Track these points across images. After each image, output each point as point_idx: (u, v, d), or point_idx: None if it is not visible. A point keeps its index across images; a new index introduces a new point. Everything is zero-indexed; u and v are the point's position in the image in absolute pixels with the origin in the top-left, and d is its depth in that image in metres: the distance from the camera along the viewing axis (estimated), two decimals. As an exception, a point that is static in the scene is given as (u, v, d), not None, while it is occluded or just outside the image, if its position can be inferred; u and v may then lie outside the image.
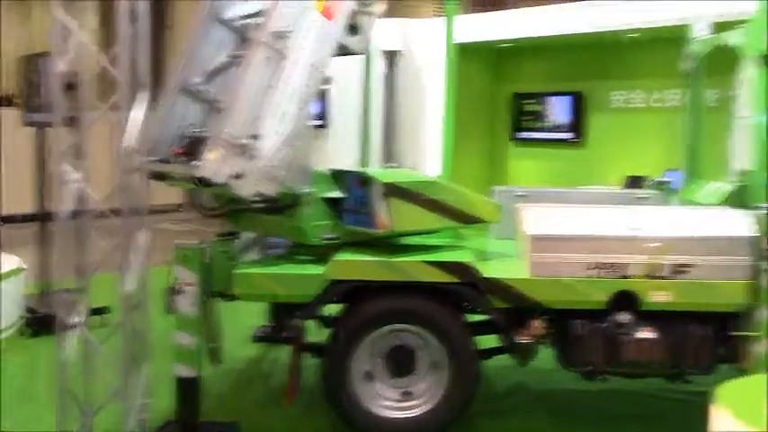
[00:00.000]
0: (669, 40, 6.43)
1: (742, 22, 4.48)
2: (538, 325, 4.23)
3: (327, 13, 4.21)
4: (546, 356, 4.53)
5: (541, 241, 4.19)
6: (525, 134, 10.69)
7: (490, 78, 10.92)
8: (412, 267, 4.16)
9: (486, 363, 4.58)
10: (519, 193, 5.24)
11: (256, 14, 4.49)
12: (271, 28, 4.02)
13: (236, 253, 4.41)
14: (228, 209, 4.46)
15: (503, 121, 10.90)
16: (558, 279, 4.14)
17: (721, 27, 5.32)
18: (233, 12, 4.66)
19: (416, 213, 4.27)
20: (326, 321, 4.51)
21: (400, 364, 4.28)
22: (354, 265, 4.19)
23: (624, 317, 4.16)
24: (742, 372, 4.03)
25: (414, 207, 4.26)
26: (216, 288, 4.25)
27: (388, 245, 4.37)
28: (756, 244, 4.10)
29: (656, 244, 4.11)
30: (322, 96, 10.27)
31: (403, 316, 4.23)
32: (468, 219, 4.47)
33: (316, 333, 4.50)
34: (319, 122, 10.78)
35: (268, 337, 4.90)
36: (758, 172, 4.28)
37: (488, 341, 4.51)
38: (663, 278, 4.11)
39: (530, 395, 5.21)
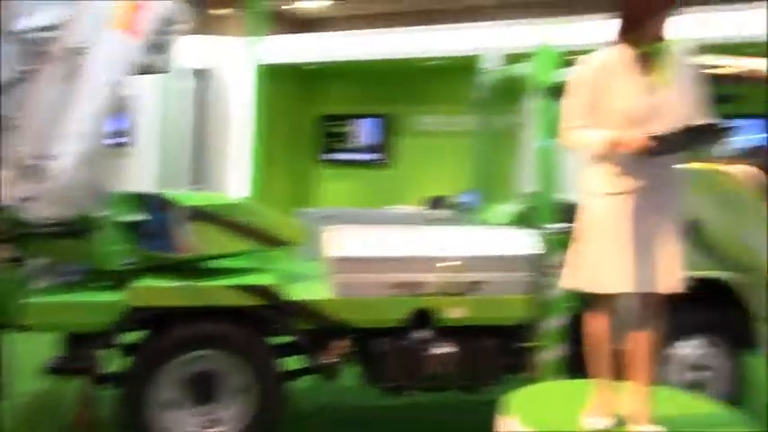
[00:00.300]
0: (467, 68, 6.81)
1: (529, 55, 4.83)
2: (342, 345, 4.32)
3: (128, 30, 4.10)
4: (352, 375, 4.62)
5: (344, 262, 4.29)
6: (334, 155, 10.89)
7: (299, 100, 11.04)
8: (214, 292, 4.12)
9: (293, 384, 4.59)
10: (324, 215, 5.34)
11: (51, 28, 4.28)
12: (66, 43, 3.85)
13: (25, 280, 4.16)
14: (17, 233, 4.20)
15: (311, 142, 11.03)
16: (361, 299, 4.26)
17: (511, 58, 5.70)
18: (24, 24, 4.41)
19: (220, 237, 4.23)
20: (126, 349, 4.35)
21: (204, 390, 4.20)
22: (155, 291, 4.08)
23: (423, 333, 4.35)
24: (529, 380, 4.32)
25: (218, 230, 4.22)
26: (1, 319, 3.98)
27: (192, 269, 4.30)
28: (541, 261, 4.43)
29: (450, 263, 4.33)
30: (127, 114, 9.91)
31: (205, 341, 4.17)
32: (273, 241, 4.49)
33: (115, 362, 4.32)
34: (122, 141, 10.38)
35: (62, 369, 4.64)
36: (543, 194, 4.62)
37: (295, 363, 4.53)
38: (457, 295, 4.34)
39: (337, 414, 5.28)
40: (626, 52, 3.20)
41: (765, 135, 4.47)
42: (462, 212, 5.84)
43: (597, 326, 3.34)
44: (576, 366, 3.96)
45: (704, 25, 6.62)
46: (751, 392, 4.77)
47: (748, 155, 4.56)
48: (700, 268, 3.92)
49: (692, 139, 3.10)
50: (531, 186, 4.86)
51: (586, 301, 3.38)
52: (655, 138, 3.03)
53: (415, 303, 4.31)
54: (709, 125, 3.10)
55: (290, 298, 4.21)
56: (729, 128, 3.07)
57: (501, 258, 4.43)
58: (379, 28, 10.34)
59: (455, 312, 4.34)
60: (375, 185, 10.34)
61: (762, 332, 4.62)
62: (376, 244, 4.45)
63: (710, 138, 3.16)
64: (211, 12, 11.82)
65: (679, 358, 4.59)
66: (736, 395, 4.62)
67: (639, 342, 3.33)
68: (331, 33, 10.55)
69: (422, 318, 4.33)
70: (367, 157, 10.59)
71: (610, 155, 3.17)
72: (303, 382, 4.70)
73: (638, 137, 3.06)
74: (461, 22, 10.31)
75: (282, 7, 13.12)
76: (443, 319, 4.34)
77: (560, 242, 4.33)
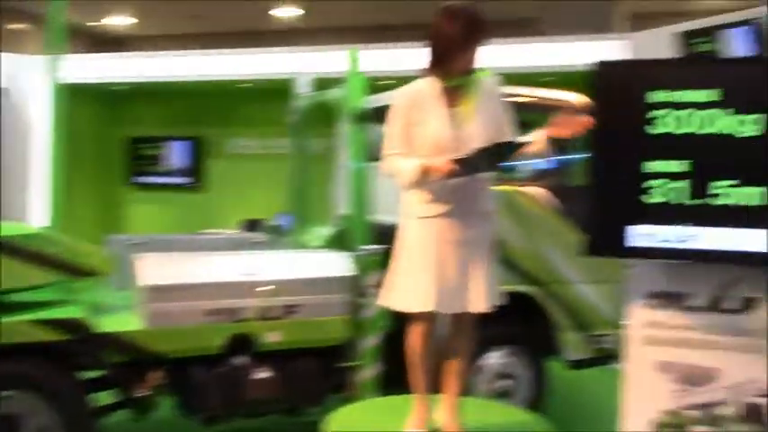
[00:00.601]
0: (280, 91, 6.84)
1: (340, 80, 4.94)
2: (156, 376, 4.18)
3: None
4: (168, 407, 4.47)
5: (156, 291, 4.16)
6: (144, 179, 10.53)
7: (105, 121, 10.58)
8: (15, 328, 3.84)
9: (106, 420, 4.38)
10: (135, 242, 5.15)
11: None
12: None
13: None
14: None
15: (121, 165, 10.61)
16: (175, 328, 4.14)
17: (323, 83, 5.79)
18: None
19: (20, 269, 3.97)
20: None
21: (3, 434, 3.91)
22: (-55, 329, 3.75)
23: (241, 359, 4.29)
24: (348, 399, 4.39)
25: (16, 262, 3.95)
26: None
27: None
28: (355, 282, 4.52)
29: (267, 287, 4.32)
30: None
31: (5, 382, 3.88)
32: (78, 271, 4.26)
33: None
34: None
35: None
36: (356, 216, 4.73)
37: (108, 397, 4.33)
38: (275, 319, 4.33)
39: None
40: (436, 84, 3.37)
41: (552, 159, 4.84)
42: (277, 235, 5.84)
43: (416, 342, 3.47)
44: (394, 382, 4.07)
45: (506, 56, 7.11)
46: (552, 397, 5.11)
47: (538, 177, 4.91)
48: (504, 283, 4.16)
49: (490, 158, 3.31)
50: (345, 209, 4.96)
51: (406, 319, 3.49)
52: (457, 161, 3.22)
53: (232, 329, 4.25)
54: (503, 143, 3.33)
55: (99, 330, 4.01)
56: (521, 143, 3.32)
57: (317, 281, 4.48)
58: (190, 49, 10.17)
59: (274, 336, 4.33)
60: (188, 210, 10.10)
61: (562, 340, 4.98)
62: (189, 270, 4.35)
63: (505, 155, 3.39)
64: (7, 27, 11.08)
65: (488, 368, 4.83)
66: (539, 400, 4.94)
67: (451, 357, 3.51)
68: (140, 53, 10.23)
69: (240, 344, 4.28)
70: (179, 180, 10.33)
71: (422, 181, 3.32)
72: (117, 417, 4.49)
73: (443, 162, 3.24)
74: (274, 46, 10.38)
75: (88, 24, 12.56)
76: (262, 343, 4.32)
77: (374, 263, 4.46)
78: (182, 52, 9.93)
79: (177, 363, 4.23)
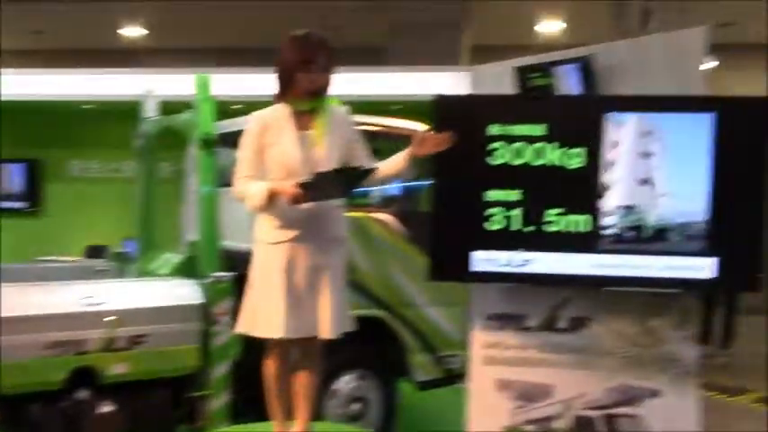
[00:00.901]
0: (126, 112, 6.65)
1: (188, 104, 4.88)
2: (-10, 414, 3.95)
3: None
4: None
5: (-9, 324, 3.94)
6: (-27, 204, 9.89)
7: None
8: None
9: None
10: (-33, 272, 4.85)
11: None
12: None
13: None
14: None
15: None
16: (12, 362, 3.93)
17: (171, 106, 5.69)
18: None
19: None
20: None
21: None
22: None
23: (84, 394, 4.13)
24: (199, 430, 4.32)
25: None
26: None
27: None
28: (205, 310, 4.46)
29: (111, 317, 4.19)
30: None
31: None
32: None
33: None
34: None
35: None
36: (206, 242, 4.67)
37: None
38: (121, 350, 4.20)
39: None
40: (287, 109, 3.43)
41: (400, 186, 5.01)
42: (123, 263, 5.66)
43: (272, 368, 3.48)
44: (249, 410, 4.05)
45: (355, 84, 7.25)
46: (403, 418, 5.24)
47: (387, 203, 5.05)
48: (355, 307, 4.24)
49: (338, 183, 3.36)
50: (195, 235, 4.89)
51: (261, 345, 3.49)
52: (302, 184, 3.26)
53: (74, 362, 4.08)
54: (348, 168, 3.38)
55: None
56: (370, 170, 3.40)
57: (165, 309, 4.39)
58: (31, 66, 9.70)
59: (119, 368, 4.20)
60: (25, 236, 9.57)
61: (411, 362, 5.12)
62: (27, 301, 4.14)
63: (353, 180, 3.43)
64: None
65: (341, 392, 4.89)
66: (390, 422, 5.05)
67: (300, 381, 3.54)
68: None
69: (84, 377, 4.11)
70: (15, 204, 9.78)
71: (268, 204, 3.35)
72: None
73: (289, 185, 3.28)
74: (122, 65, 10.08)
75: None
76: (108, 376, 4.17)
77: (224, 291, 4.42)
78: (22, 70, 9.46)
79: (15, 399, 4.01)
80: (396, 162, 3.49)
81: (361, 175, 3.39)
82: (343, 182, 3.37)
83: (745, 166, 3.41)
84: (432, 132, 3.42)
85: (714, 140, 3.40)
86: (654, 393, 3.66)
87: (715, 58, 8.34)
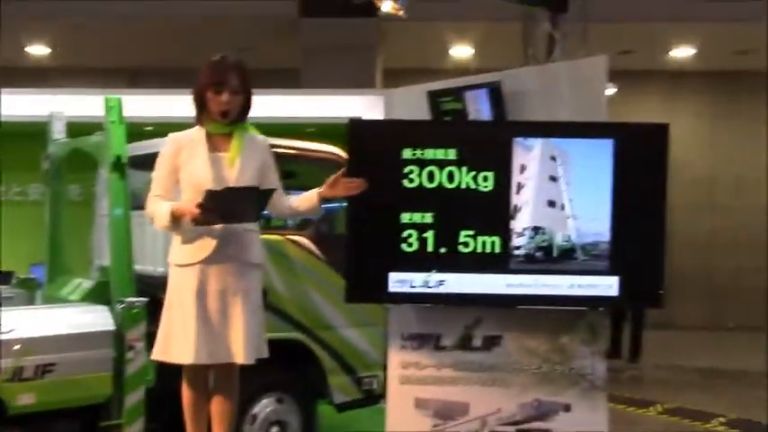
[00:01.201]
0: (33, 134, 6.46)
1: (99, 126, 4.78)
2: None
3: None
4: None
5: None
6: None
7: None
8: None
9: None
10: None
11: None
12: None
13: None
14: None
15: None
16: None
17: (81, 127, 5.55)
18: None
19: None
20: None
21: None
22: None
23: (-11, 426, 3.98)
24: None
25: None
26: None
27: None
28: (117, 337, 4.36)
29: (17, 346, 4.06)
30: None
31: None
32: None
33: None
34: None
35: None
36: (118, 267, 4.57)
37: None
38: (28, 380, 4.07)
39: None
40: (202, 131, 3.46)
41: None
42: (31, 289, 5.48)
43: (188, 394, 3.44)
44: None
45: (271, 106, 7.25)
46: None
47: (304, 225, 5.07)
48: (274, 330, 4.23)
49: (238, 203, 3.34)
50: (106, 259, 4.79)
51: (177, 371, 3.45)
52: (201, 204, 3.23)
53: (-21, 393, 3.93)
54: (244, 188, 3.37)
55: None
56: (268, 191, 3.41)
57: (75, 337, 4.27)
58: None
59: (27, 398, 4.06)
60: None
61: (330, 384, 5.12)
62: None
63: (248, 201, 3.40)
64: None
65: (260, 416, 4.85)
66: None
67: (216, 407, 3.51)
68: None
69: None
70: None
71: (175, 225, 3.34)
72: None
73: (190, 204, 3.27)
74: (26, 86, 9.78)
75: None
76: (14, 406, 4.02)
77: (137, 316, 4.34)
78: None
79: None
80: (307, 199, 3.54)
81: (256, 195, 3.38)
82: (240, 202, 3.35)
83: (645, 188, 3.59)
84: (344, 177, 3.48)
85: (615, 165, 3.57)
86: (565, 408, 3.78)
87: (616, 84, 8.74)
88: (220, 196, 3.24)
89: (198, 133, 3.47)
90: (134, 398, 4.34)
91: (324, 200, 3.53)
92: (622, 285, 3.58)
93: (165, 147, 3.49)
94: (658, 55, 11.90)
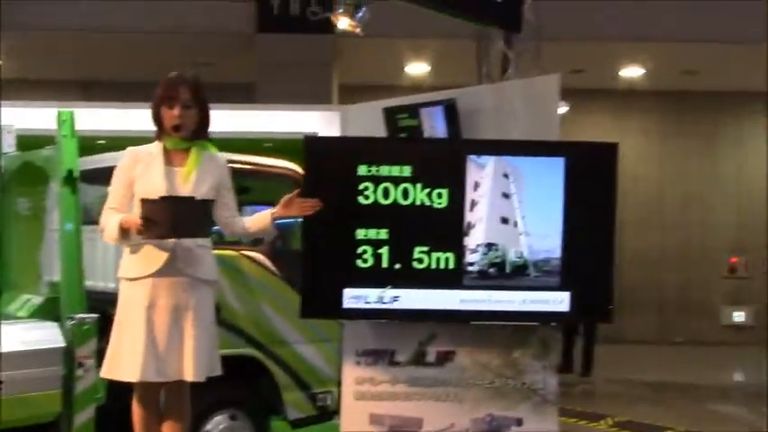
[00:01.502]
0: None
1: (50, 139, 4.72)
2: None
3: None
4: None
5: None
6: None
7: None
8: None
9: None
10: None
11: None
12: None
13: None
14: None
15: None
16: None
17: (31, 140, 5.46)
18: None
19: None
20: None
21: None
22: None
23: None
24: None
25: None
26: None
27: None
28: (67, 354, 4.29)
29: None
30: None
31: None
32: None
33: None
34: None
35: None
36: (68, 283, 4.50)
37: None
38: (-25, 398, 3.98)
39: None
40: (160, 145, 3.47)
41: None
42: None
43: (138, 411, 3.40)
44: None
45: (227, 121, 7.22)
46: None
47: (258, 241, 5.05)
48: (227, 346, 4.20)
49: (180, 214, 3.27)
50: (56, 275, 4.72)
51: (127, 388, 3.40)
52: (143, 216, 3.21)
53: None
54: (187, 198, 3.33)
55: None
56: (209, 202, 3.40)
57: (22, 354, 4.19)
58: None
59: (-28, 418, 3.97)
60: None
61: (285, 400, 5.10)
62: None
63: (200, 215, 3.35)
64: None
65: (216, 433, 4.81)
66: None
67: (168, 426, 3.47)
68: None
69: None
70: None
71: (123, 237, 3.32)
72: None
73: (136, 216, 3.25)
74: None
75: None
76: (-43, 427, 3.94)
77: (88, 333, 4.27)
78: None
79: None
80: (260, 220, 3.55)
81: (197, 206, 3.33)
82: (183, 214, 3.30)
83: (596, 205, 3.67)
84: (298, 197, 3.50)
85: (566, 182, 3.65)
86: (517, 422, 3.83)
87: (568, 102, 8.90)
88: (158, 206, 3.22)
89: (156, 148, 3.48)
90: (84, 416, 4.27)
91: (277, 219, 3.55)
92: (573, 301, 3.65)
93: (122, 160, 3.50)
94: (609, 74, 12.14)
